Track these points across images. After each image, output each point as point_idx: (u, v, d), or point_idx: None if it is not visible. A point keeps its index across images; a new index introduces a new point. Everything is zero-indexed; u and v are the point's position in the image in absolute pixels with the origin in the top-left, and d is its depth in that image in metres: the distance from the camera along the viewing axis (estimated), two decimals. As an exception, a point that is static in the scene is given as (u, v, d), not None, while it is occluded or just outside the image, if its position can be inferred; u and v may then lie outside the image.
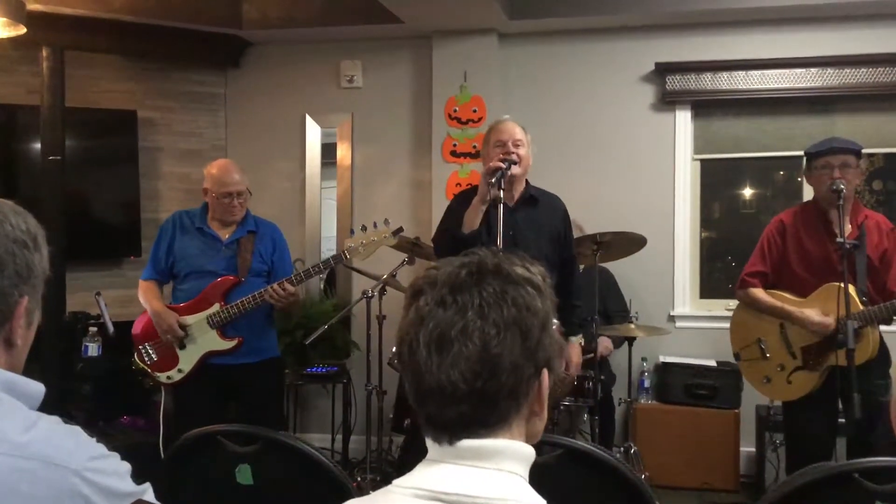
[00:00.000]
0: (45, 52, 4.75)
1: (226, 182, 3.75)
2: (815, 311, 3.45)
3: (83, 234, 5.09)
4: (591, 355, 4.24)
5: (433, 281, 1.11)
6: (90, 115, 5.22)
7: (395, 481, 1.11)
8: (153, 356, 3.79)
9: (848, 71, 4.90)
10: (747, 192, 5.44)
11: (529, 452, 1.12)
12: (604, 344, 4.67)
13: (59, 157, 4.76)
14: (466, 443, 1.08)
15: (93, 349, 4.42)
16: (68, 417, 4.21)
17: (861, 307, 3.36)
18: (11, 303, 1.22)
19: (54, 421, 1.19)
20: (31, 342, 1.30)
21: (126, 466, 1.24)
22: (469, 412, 1.08)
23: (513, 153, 3.29)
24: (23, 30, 4.17)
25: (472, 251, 1.16)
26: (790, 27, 5.01)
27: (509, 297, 1.09)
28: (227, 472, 2.02)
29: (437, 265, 1.15)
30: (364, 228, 3.70)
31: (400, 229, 3.75)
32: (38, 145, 4.84)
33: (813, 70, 4.96)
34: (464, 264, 1.13)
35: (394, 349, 4.38)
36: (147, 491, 1.26)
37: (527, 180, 3.50)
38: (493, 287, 1.10)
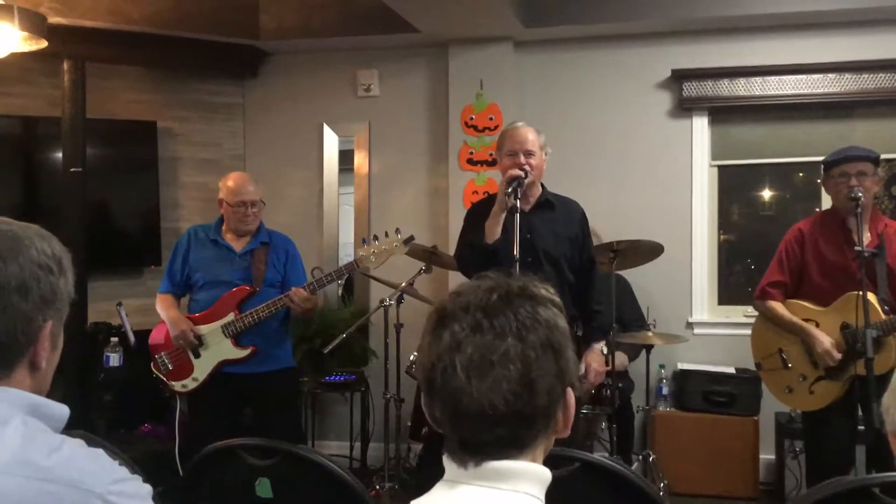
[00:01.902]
0: (66, 65, 4.81)
1: (240, 192, 3.82)
2: (827, 339, 3.45)
3: (104, 243, 5.15)
4: (608, 367, 4.22)
5: (465, 306, 1.11)
6: (110, 125, 5.28)
7: (413, 502, 1.13)
8: (169, 365, 3.86)
9: (866, 76, 4.87)
10: (765, 199, 5.42)
11: (546, 475, 1.14)
12: (619, 360, 4.65)
13: (80, 169, 4.82)
14: (492, 464, 1.10)
15: (114, 359, 4.46)
16: (90, 427, 4.26)
17: (883, 316, 3.34)
18: (35, 327, 1.24)
19: (78, 444, 1.21)
20: (55, 365, 1.32)
21: (147, 489, 1.25)
22: (507, 434, 1.10)
23: (524, 164, 3.29)
24: (44, 43, 4.21)
25: (485, 274, 1.17)
26: (807, 33, 4.98)
27: (541, 318, 1.12)
28: (247, 486, 2.04)
29: (459, 290, 1.15)
30: (376, 238, 3.75)
31: (411, 238, 3.78)
32: (59, 155, 4.89)
33: (830, 75, 4.93)
34: (491, 288, 1.14)
35: (411, 357, 4.40)
36: (168, 511, 1.28)
37: (543, 185, 3.51)
38: (524, 309, 1.12)
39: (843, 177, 3.43)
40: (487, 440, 1.10)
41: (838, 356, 3.40)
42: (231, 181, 3.87)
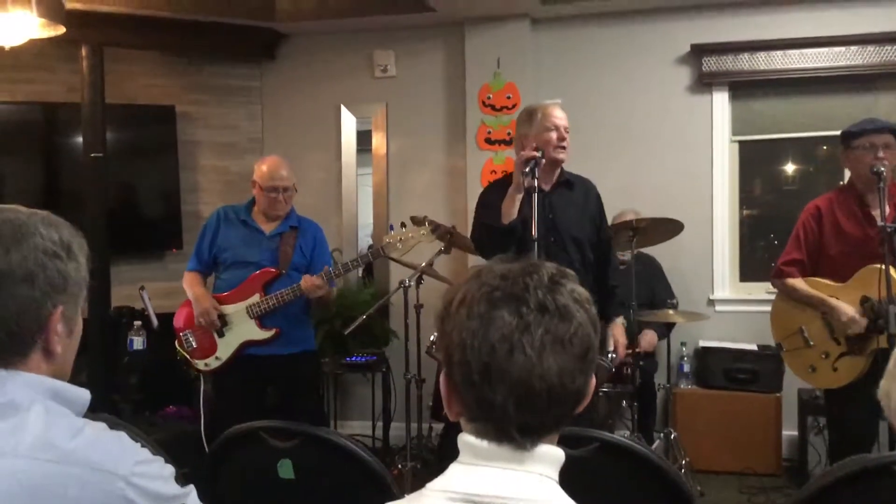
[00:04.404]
0: (84, 51, 4.84)
1: (274, 177, 3.85)
2: (850, 308, 3.39)
3: (126, 228, 5.20)
4: (631, 350, 4.23)
5: (524, 287, 1.10)
6: (130, 110, 5.32)
7: (429, 485, 1.13)
8: (193, 343, 3.89)
9: (889, 48, 4.79)
10: (787, 174, 5.37)
11: (560, 455, 1.14)
12: (647, 339, 4.65)
13: (101, 154, 4.85)
14: (544, 447, 1.11)
15: (138, 342, 4.52)
16: (115, 410, 4.31)
17: None
18: (45, 314, 1.25)
19: (100, 427, 1.24)
20: (76, 348, 1.33)
21: (170, 469, 1.27)
22: (562, 414, 1.11)
23: (565, 142, 3.35)
24: (62, 29, 4.22)
25: (501, 257, 1.17)
26: (828, 4, 4.91)
27: (584, 297, 1.13)
28: (269, 467, 2.06)
29: (498, 273, 1.13)
30: (403, 225, 3.77)
31: (438, 226, 3.80)
32: (79, 141, 4.93)
33: (853, 48, 4.86)
34: (535, 268, 1.13)
35: (432, 338, 4.41)
36: (190, 493, 1.29)
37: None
38: (573, 288, 1.13)
39: (870, 148, 3.37)
40: (545, 422, 1.10)
41: (864, 322, 3.35)
42: (266, 165, 3.90)
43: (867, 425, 3.44)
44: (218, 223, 3.97)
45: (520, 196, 3.24)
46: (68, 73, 5.06)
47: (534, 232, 3.05)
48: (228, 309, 3.83)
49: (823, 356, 3.51)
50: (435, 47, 5.50)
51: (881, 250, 3.22)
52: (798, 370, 3.66)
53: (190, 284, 3.92)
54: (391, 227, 3.83)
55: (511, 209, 3.27)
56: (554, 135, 3.31)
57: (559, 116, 3.37)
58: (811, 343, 3.55)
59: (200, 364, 3.89)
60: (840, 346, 3.48)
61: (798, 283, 3.56)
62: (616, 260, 3.71)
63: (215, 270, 4.00)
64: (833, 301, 3.45)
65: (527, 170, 3.16)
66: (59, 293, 1.26)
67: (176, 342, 3.95)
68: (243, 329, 3.83)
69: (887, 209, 3.37)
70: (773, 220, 5.31)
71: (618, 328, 3.54)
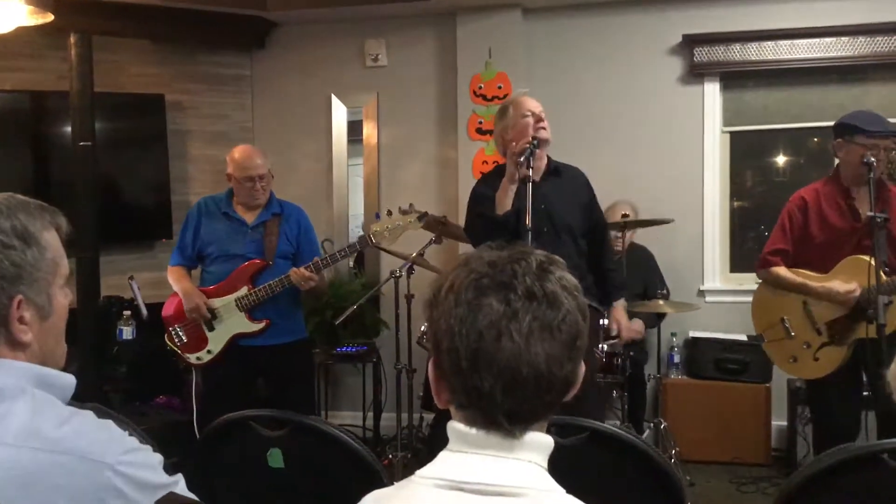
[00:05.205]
0: (73, 39, 4.79)
1: (247, 166, 3.79)
2: (838, 282, 3.40)
3: (115, 217, 5.16)
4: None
5: (512, 273, 1.10)
6: (119, 99, 5.27)
7: (418, 472, 1.13)
8: (183, 338, 3.86)
9: (880, 39, 4.80)
10: (778, 164, 5.38)
11: (549, 443, 1.14)
12: (635, 328, 4.66)
13: (90, 143, 4.81)
14: (532, 435, 1.11)
15: (127, 332, 4.50)
16: (105, 400, 4.28)
17: (884, 277, 3.30)
18: (1, 306, 1.22)
19: (87, 415, 1.23)
20: (59, 332, 1.31)
21: (158, 458, 1.27)
22: (552, 401, 1.12)
23: (543, 125, 3.32)
24: (50, 17, 4.19)
25: (490, 244, 1.17)
26: (820, -5, 4.91)
27: (572, 284, 1.13)
28: (259, 456, 2.06)
29: (485, 259, 1.13)
30: (390, 213, 3.74)
31: (425, 214, 3.78)
32: (68, 130, 4.89)
33: (844, 39, 4.86)
34: (521, 255, 1.13)
35: (422, 328, 4.41)
36: (179, 482, 1.28)
37: (547, 154, 3.51)
38: (561, 275, 1.13)
39: (872, 148, 3.31)
40: (533, 409, 1.10)
41: (855, 286, 3.33)
42: (238, 154, 3.83)
43: (851, 415, 3.47)
44: (199, 216, 3.92)
45: (514, 187, 3.24)
46: (57, 61, 5.02)
47: (528, 222, 3.05)
48: (217, 302, 3.81)
49: (805, 346, 3.53)
50: (426, 37, 5.48)
51: (869, 241, 3.23)
52: (779, 361, 3.68)
53: (176, 279, 3.88)
54: (377, 216, 3.80)
55: (505, 200, 3.26)
56: (530, 119, 3.31)
57: (533, 104, 3.38)
58: (792, 334, 3.56)
59: (192, 358, 3.87)
60: (821, 336, 3.49)
61: (784, 271, 3.57)
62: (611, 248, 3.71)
63: (200, 264, 3.96)
64: (821, 286, 3.44)
65: (521, 159, 3.17)
66: (16, 283, 1.22)
67: (165, 337, 3.93)
68: (233, 322, 3.81)
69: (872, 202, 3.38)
70: (764, 211, 5.31)
71: (618, 311, 3.56)
